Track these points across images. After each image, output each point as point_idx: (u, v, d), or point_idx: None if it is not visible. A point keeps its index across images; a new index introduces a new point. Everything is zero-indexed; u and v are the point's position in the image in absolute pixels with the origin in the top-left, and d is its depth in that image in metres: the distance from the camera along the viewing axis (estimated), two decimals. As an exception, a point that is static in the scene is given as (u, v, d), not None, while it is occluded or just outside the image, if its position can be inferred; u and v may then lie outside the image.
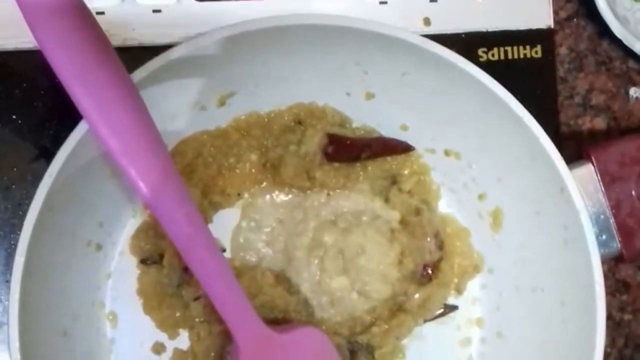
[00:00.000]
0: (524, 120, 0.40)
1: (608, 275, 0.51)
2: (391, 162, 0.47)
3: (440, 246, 0.46)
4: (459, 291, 0.47)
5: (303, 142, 0.45)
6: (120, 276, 0.45)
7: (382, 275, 0.45)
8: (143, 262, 0.45)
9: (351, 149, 0.45)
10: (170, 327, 0.45)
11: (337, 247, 0.45)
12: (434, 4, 0.49)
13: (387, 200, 0.46)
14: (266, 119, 0.46)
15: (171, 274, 0.44)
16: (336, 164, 0.45)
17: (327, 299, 0.45)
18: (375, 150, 0.46)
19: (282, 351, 0.41)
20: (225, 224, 0.46)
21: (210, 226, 0.45)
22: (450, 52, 0.40)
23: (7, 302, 0.38)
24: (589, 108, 0.52)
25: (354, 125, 0.47)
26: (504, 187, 0.45)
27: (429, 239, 0.46)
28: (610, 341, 0.51)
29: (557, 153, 0.40)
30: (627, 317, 0.51)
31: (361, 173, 0.46)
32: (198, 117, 0.44)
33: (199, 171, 0.45)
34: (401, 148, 0.46)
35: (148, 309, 0.44)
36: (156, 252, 0.44)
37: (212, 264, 0.39)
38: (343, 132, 0.45)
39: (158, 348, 0.45)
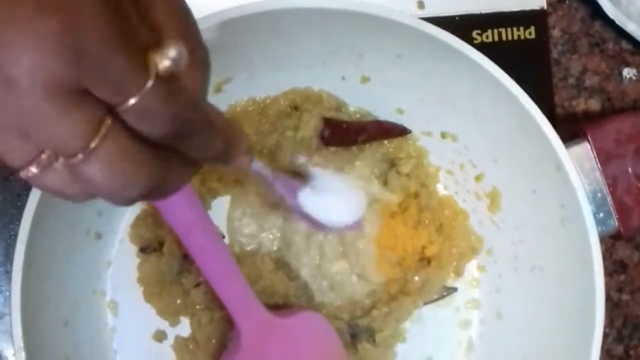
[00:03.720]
0: (519, 99, 0.40)
1: (605, 256, 0.51)
2: (388, 146, 0.47)
3: (439, 229, 0.46)
4: (458, 273, 0.48)
5: (299, 127, 0.45)
6: (120, 265, 0.45)
7: (381, 259, 0.45)
8: (143, 250, 0.45)
9: (347, 133, 0.45)
10: (171, 314, 0.45)
11: (336, 231, 0.45)
12: (427, -13, 0.49)
13: (385, 183, 0.46)
14: (262, 105, 0.46)
15: (171, 261, 0.44)
16: (333, 148, 0.45)
17: (327, 283, 0.45)
18: (372, 134, 0.46)
19: (283, 336, 0.42)
20: (223, 211, 0.46)
21: (209, 213, 0.45)
22: (444, 33, 0.40)
23: (7, 293, 0.38)
24: (583, 89, 0.52)
25: (350, 109, 0.47)
26: (501, 167, 0.45)
27: (427, 222, 0.46)
28: (609, 322, 0.51)
29: (552, 131, 0.40)
30: (625, 297, 0.52)
31: (359, 157, 0.46)
32: (194, 105, 0.44)
33: (197, 159, 0.45)
34: (397, 131, 0.46)
35: (149, 296, 0.45)
36: (156, 240, 0.45)
37: (212, 250, 0.39)
38: (339, 116, 0.46)
39: (159, 335, 0.45)
